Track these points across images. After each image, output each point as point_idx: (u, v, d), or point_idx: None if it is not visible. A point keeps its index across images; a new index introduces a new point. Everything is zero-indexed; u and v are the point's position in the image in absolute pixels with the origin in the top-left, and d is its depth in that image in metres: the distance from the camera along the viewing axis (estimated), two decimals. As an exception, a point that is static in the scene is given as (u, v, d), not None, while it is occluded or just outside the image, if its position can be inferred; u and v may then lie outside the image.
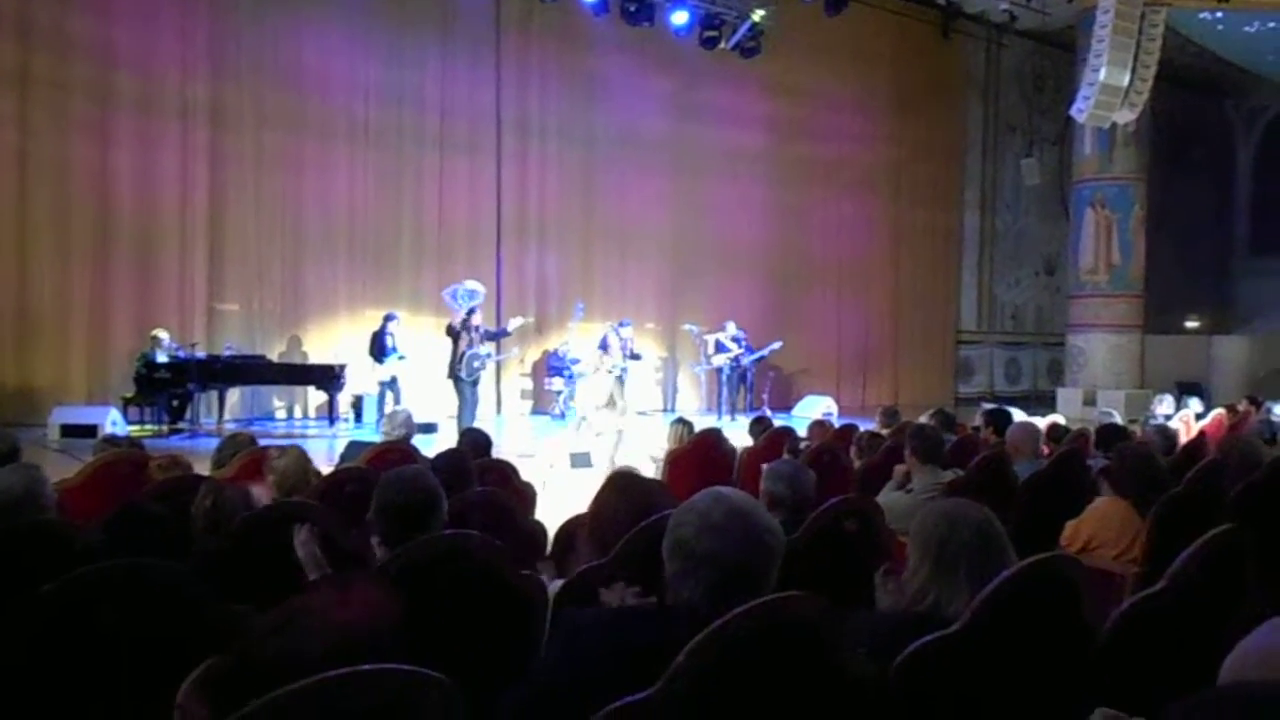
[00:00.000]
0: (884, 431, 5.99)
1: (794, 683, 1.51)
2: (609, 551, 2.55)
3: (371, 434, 8.41)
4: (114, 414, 9.22)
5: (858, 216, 15.36)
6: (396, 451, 4.39)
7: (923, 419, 5.33)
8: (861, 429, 6.17)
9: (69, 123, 10.01)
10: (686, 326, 12.59)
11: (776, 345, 12.39)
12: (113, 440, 4.69)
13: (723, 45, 12.48)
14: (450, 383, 9.29)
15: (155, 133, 10.47)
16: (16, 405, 9.41)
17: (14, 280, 9.81)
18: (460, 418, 9.07)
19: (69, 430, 8.71)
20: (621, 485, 2.94)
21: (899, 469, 4.43)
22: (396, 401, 10.04)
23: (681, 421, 5.65)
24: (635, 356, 11.53)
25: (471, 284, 9.59)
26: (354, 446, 6.69)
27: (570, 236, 13.05)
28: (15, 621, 1.49)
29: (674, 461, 5.13)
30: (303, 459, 3.29)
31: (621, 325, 11.50)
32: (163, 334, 9.72)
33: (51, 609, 1.48)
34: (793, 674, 1.51)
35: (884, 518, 3.05)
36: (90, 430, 8.44)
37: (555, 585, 2.57)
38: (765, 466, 2.98)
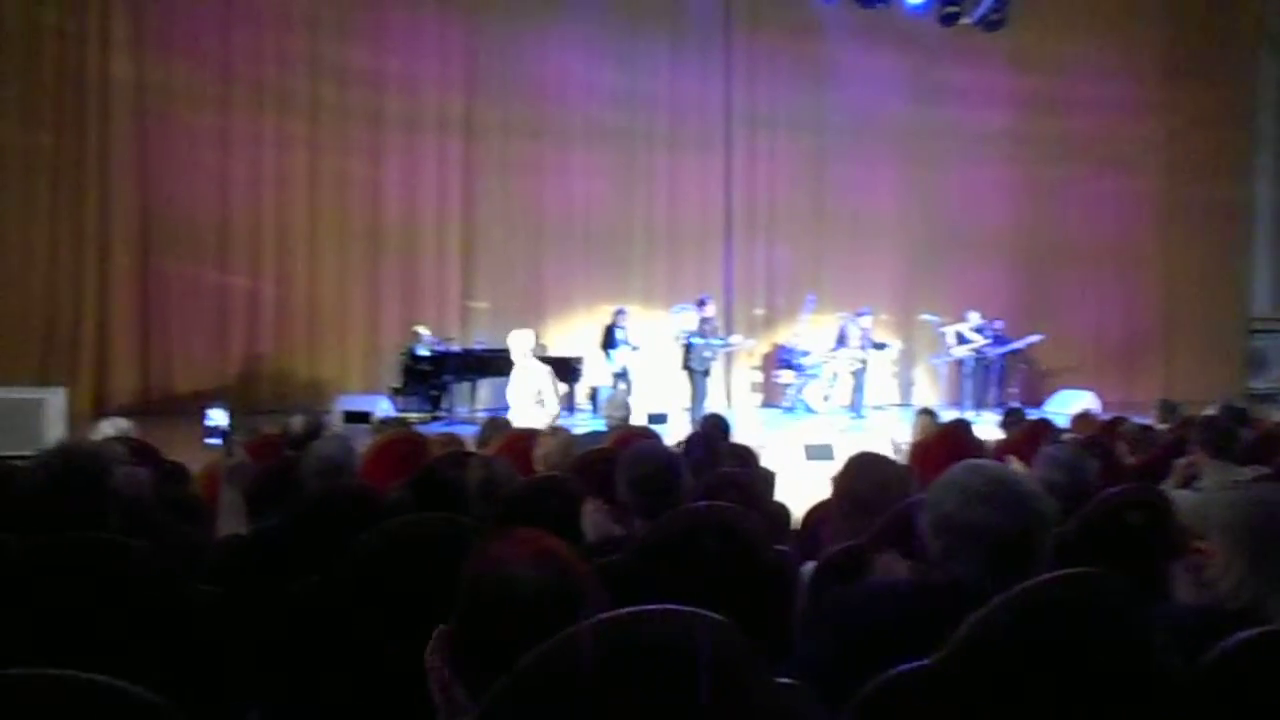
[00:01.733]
0: (1160, 426, 5.44)
1: (1090, 665, 1.40)
2: (860, 532, 2.49)
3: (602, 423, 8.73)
4: (384, 403, 10.12)
5: (1121, 194, 14.00)
6: (640, 434, 4.53)
7: (1208, 411, 4.80)
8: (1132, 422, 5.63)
9: (348, 143, 11.24)
10: (924, 316, 12.05)
11: (1035, 339, 11.53)
12: (386, 421, 5.18)
13: (964, 20, 11.85)
14: (684, 374, 9.52)
15: (417, 147, 11.53)
16: (308, 394, 10.62)
17: (305, 284, 11.14)
18: (693, 408, 9.25)
19: (350, 416, 9.63)
20: (871, 465, 2.88)
21: (1179, 464, 4.01)
22: (629, 392, 10.36)
23: (926, 412, 5.43)
24: (880, 346, 11.22)
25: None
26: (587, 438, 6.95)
27: (801, 227, 12.93)
28: (338, 568, 1.66)
29: (919, 452, 4.92)
30: (570, 439, 3.49)
31: (860, 314, 11.21)
32: (423, 329, 10.58)
33: (367, 556, 1.64)
34: (1090, 655, 1.39)
35: (1173, 511, 2.76)
36: (365, 417, 9.32)
37: (808, 566, 2.55)
38: (1040, 450, 2.78)
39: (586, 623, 1.08)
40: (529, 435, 4.10)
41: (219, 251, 10.84)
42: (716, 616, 1.08)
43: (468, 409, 10.89)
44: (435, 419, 10.23)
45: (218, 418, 3.26)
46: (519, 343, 6.57)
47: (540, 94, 11.89)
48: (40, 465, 2.55)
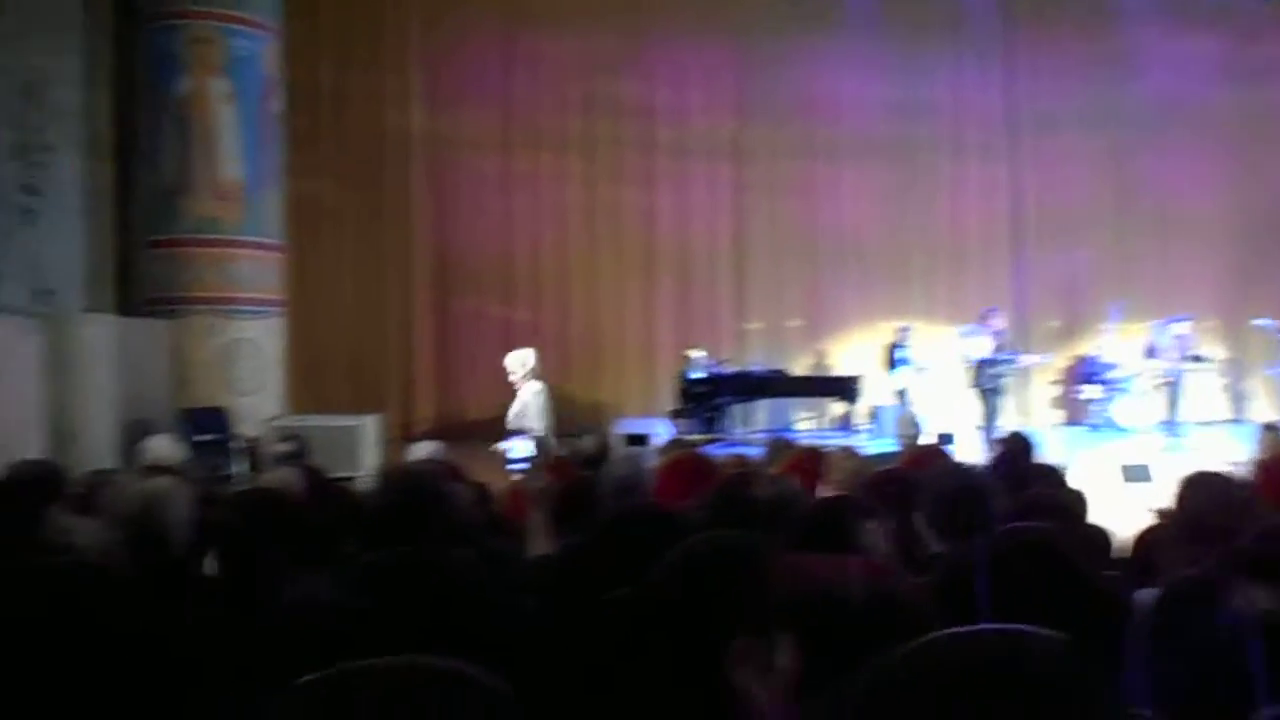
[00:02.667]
0: None
1: None
2: (1199, 558, 2.25)
3: (889, 443, 8.43)
4: (661, 425, 10.42)
5: None
6: (931, 454, 4.34)
7: None
8: None
9: (622, 174, 11.79)
10: (1258, 322, 10.57)
11: None
12: (678, 442, 5.36)
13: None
14: (973, 392, 9.04)
15: (688, 173, 11.86)
16: (588, 417, 11.10)
17: (583, 312, 11.77)
18: (986, 427, 8.75)
19: (629, 439, 10.01)
20: (1212, 485, 2.63)
21: None
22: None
23: (1273, 427, 4.78)
24: (1197, 359, 10.02)
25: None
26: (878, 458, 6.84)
27: (1101, 230, 11.89)
28: (650, 582, 1.71)
29: (1266, 472, 4.32)
30: (863, 460, 3.44)
31: (1173, 321, 10.06)
32: (697, 353, 10.81)
33: (678, 570, 1.68)
34: None
35: None
36: (642, 439, 9.62)
37: (1143, 594, 2.33)
38: None
39: (925, 639, 1.04)
40: (816, 455, 4.05)
41: (504, 285, 11.69)
42: (1065, 638, 1.00)
43: (743, 430, 10.98)
44: (712, 440, 10.39)
45: (521, 448, 3.49)
46: (513, 364, 6.42)
47: (809, 111, 11.83)
48: (386, 486, 2.87)
